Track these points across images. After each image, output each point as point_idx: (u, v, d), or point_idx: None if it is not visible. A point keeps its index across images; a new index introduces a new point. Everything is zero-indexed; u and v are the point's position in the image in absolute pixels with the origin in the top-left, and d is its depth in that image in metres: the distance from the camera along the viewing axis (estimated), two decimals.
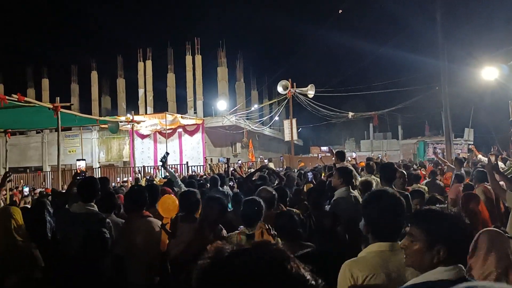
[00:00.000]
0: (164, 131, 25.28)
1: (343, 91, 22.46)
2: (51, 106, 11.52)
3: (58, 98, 11.65)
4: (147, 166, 22.99)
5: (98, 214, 3.85)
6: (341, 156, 6.92)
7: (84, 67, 33.70)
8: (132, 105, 31.98)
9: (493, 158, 8.56)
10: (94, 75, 33.18)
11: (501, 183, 5.07)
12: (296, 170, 11.67)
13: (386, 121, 40.13)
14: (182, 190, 5.27)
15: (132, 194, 4.29)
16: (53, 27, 58.11)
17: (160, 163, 5.93)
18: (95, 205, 4.01)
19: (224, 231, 3.89)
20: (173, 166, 22.53)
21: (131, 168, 23.64)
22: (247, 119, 30.63)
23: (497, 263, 2.41)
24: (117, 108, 32.61)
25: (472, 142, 29.33)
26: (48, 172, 27.40)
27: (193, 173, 17.39)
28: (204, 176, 11.69)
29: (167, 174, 7.07)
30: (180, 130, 26.05)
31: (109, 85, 34.31)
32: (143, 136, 27.11)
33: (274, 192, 4.57)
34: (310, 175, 7.16)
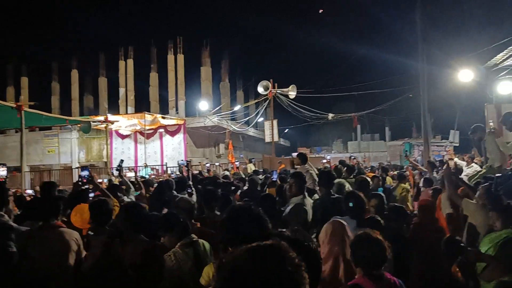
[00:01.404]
0: (144, 131, 24.82)
1: (325, 92, 22.17)
2: (14, 105, 11.02)
3: (22, 97, 11.10)
4: (128, 167, 22.48)
5: (5, 224, 3.41)
6: (302, 158, 6.53)
7: (65, 65, 33.10)
8: (114, 105, 31.45)
9: (462, 162, 8.22)
10: (75, 74, 32.58)
11: None
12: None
13: (374, 123, 39.98)
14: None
15: (38, 202, 3.85)
16: (33, 24, 57.14)
17: (116, 171, 5.48)
18: (4, 214, 3.56)
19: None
20: (154, 167, 22.10)
21: (111, 168, 23.16)
22: (232, 119, 30.21)
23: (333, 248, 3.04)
24: (99, 107, 32.02)
25: (457, 144, 29.20)
26: (26, 172, 26.66)
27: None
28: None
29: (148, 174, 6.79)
30: (161, 130, 25.56)
31: (91, 84, 33.72)
32: (123, 136, 26.58)
33: (193, 202, 4.26)
34: (274, 175, 6.77)
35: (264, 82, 19.77)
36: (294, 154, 11.66)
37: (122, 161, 5.42)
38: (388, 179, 10.20)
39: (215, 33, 60.86)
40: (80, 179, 4.48)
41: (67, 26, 63.68)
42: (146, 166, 21.62)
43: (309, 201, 4.61)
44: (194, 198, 6.38)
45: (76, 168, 26.46)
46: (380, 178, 9.00)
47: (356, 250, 2.70)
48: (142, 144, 24.60)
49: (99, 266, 3.22)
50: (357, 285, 2.58)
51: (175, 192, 6.18)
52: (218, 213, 4.56)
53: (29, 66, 33.78)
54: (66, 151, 29.21)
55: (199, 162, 23.69)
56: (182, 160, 9.08)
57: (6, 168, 4.68)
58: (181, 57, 29.14)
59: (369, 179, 6.15)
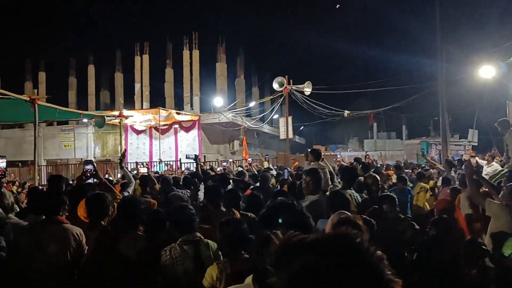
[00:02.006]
0: (159, 127, 24.82)
1: (340, 88, 21.85)
2: (28, 98, 11.01)
3: (36, 90, 11.08)
4: (142, 162, 22.50)
5: None
6: (315, 154, 6.33)
7: (82, 61, 33.30)
8: (130, 100, 31.54)
9: (482, 161, 7.94)
10: (91, 69, 32.74)
11: None
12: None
13: (391, 121, 39.45)
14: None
15: (41, 195, 3.73)
16: (51, 20, 57.76)
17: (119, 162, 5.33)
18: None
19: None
20: (168, 163, 22.07)
21: (126, 163, 23.22)
22: (247, 116, 30.05)
23: None
24: (115, 102, 32.16)
25: (476, 144, 28.61)
26: (43, 166, 26.95)
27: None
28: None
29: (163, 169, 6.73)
30: (176, 126, 25.56)
31: (107, 79, 33.87)
32: (138, 132, 26.66)
33: (185, 199, 4.12)
34: (286, 173, 6.60)
35: (279, 78, 19.55)
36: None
37: (124, 153, 5.20)
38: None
39: (230, 29, 60.71)
40: (84, 173, 4.35)
41: (84, 22, 64.28)
42: (160, 161, 21.62)
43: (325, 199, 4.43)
44: (202, 194, 6.26)
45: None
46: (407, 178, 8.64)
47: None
48: (157, 140, 24.58)
49: (88, 262, 3.11)
50: None
51: (174, 188, 6.05)
52: (224, 209, 4.40)
53: (47, 61, 34.11)
54: (82, 145, 29.44)
55: (217, 159, 23.67)
56: (190, 154, 8.93)
57: (5, 161, 4.56)
58: (196, 53, 29.04)
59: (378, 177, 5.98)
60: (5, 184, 17.38)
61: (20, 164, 25.96)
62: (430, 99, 20.95)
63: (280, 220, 2.02)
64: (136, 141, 26.80)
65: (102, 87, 34.02)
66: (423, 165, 12.89)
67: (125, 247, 3.10)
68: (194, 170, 11.04)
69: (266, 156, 11.55)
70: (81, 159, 29.07)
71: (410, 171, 11.16)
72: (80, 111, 12.83)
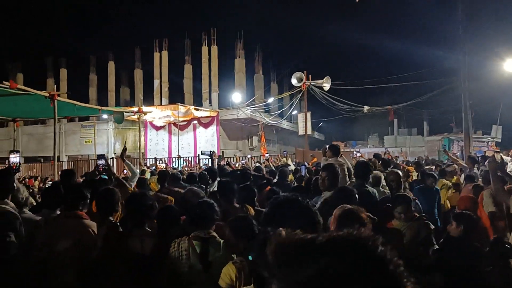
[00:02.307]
0: (178, 123, 24.90)
1: (360, 84, 21.50)
2: (47, 94, 11.10)
3: (55, 86, 11.18)
4: (160, 158, 22.64)
5: (7, 213, 3.26)
6: (334, 150, 6.19)
7: (102, 58, 33.66)
8: (150, 96, 31.76)
9: (506, 158, 7.69)
10: (111, 66, 33.06)
11: None
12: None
13: (412, 117, 38.85)
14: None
15: (53, 190, 3.70)
16: (72, 18, 58.56)
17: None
18: (9, 202, 3.43)
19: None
20: (187, 158, 22.13)
21: (145, 159, 23.39)
22: (266, 112, 29.96)
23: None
24: (134, 99, 32.43)
25: (500, 140, 27.95)
26: (64, 162, 27.33)
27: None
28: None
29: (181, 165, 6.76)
30: (195, 122, 25.60)
31: (127, 76, 34.17)
32: (157, 128, 26.79)
33: (202, 195, 4.00)
34: (303, 169, 6.49)
35: (298, 74, 19.37)
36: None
37: (125, 148, 5.14)
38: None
39: (249, 25, 60.65)
40: (97, 168, 4.31)
41: (104, 19, 64.87)
42: (179, 157, 21.69)
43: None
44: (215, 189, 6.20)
45: (111, 158, 26.94)
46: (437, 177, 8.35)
47: (340, 225, 2.80)
48: (176, 136, 24.64)
49: (95, 259, 3.07)
50: None
51: (183, 184, 6.00)
52: (238, 205, 4.32)
53: (68, 58, 34.60)
54: (102, 141, 29.78)
55: (234, 155, 23.64)
56: (205, 151, 8.92)
57: (19, 156, 4.57)
58: (214, 49, 29.05)
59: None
60: (26, 179, 17.67)
61: (42, 160, 26.35)
62: (452, 94, 20.47)
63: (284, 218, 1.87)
64: (156, 137, 26.95)
65: (122, 83, 34.35)
66: (445, 162, 12.61)
67: (131, 244, 3.03)
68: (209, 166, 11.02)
69: (284, 152, 11.42)
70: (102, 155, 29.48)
71: (434, 167, 10.92)
72: (99, 107, 12.90)
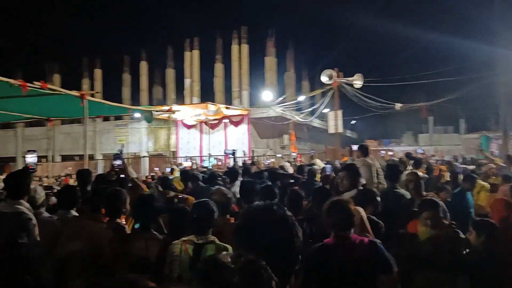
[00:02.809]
0: (209, 122, 24.99)
1: (392, 80, 20.90)
2: (78, 94, 11.29)
3: (85, 86, 11.38)
4: (191, 157, 22.77)
5: (21, 214, 3.26)
6: (363, 150, 6.00)
7: (135, 57, 34.17)
8: (181, 96, 32.05)
9: None
10: (144, 65, 33.50)
11: None
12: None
13: (448, 114, 37.75)
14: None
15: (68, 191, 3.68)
16: (106, 17, 59.73)
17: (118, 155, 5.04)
18: (24, 203, 3.43)
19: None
20: (217, 157, 22.19)
21: (177, 158, 23.63)
22: (297, 110, 29.71)
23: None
24: (166, 98, 32.79)
25: None
26: (99, 161, 27.94)
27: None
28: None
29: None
30: (225, 120, 25.62)
31: (159, 75, 34.56)
32: (189, 127, 26.97)
33: (229, 195, 3.83)
34: (328, 168, 6.32)
35: (328, 71, 19.03)
36: (355, 147, 11.07)
37: (122, 146, 5.01)
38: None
39: (280, 22, 60.31)
40: (113, 168, 4.26)
41: (138, 19, 65.92)
42: (210, 156, 21.77)
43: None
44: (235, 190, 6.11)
45: (144, 156, 27.36)
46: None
47: (328, 215, 3.01)
48: (207, 134, 24.76)
49: (100, 262, 3.02)
50: (324, 244, 2.96)
51: (200, 184, 5.93)
52: None
53: (102, 58, 35.26)
54: (135, 140, 30.29)
55: (263, 154, 23.56)
56: (228, 150, 8.88)
57: (36, 156, 4.56)
58: (245, 47, 29.00)
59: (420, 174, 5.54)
60: (62, 178, 18.01)
61: (75, 158, 27.00)
62: (490, 90, 19.69)
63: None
64: (187, 136, 27.12)
65: (155, 83, 34.79)
66: (481, 160, 12.13)
67: (135, 248, 2.96)
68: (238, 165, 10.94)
69: (312, 151, 11.18)
70: (135, 153, 30.00)
71: (474, 167, 10.49)
72: (129, 106, 13.04)
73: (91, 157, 30.43)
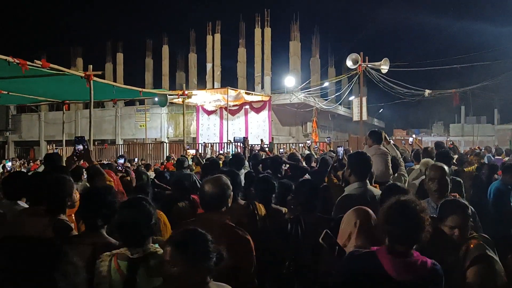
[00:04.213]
0: (230, 108, 24.31)
1: (423, 65, 19.63)
2: (83, 75, 10.75)
3: (91, 66, 10.79)
4: (211, 143, 22.17)
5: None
6: (374, 137, 5.17)
7: (158, 42, 33.69)
8: (203, 81, 31.45)
9: None
10: (166, 50, 32.98)
11: None
12: None
13: (481, 103, 36.09)
14: None
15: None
16: (129, 2, 59.44)
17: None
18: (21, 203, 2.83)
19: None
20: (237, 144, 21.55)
21: (197, 144, 23.08)
22: (322, 97, 28.74)
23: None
24: (188, 83, 32.24)
25: None
26: (120, 145, 27.71)
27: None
28: None
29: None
30: (246, 107, 24.95)
31: (183, 60, 34.01)
32: (209, 112, 26.41)
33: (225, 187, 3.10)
34: (340, 151, 5.50)
35: (353, 55, 18.02)
36: (410, 139, 10.18)
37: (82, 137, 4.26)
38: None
39: (305, 5, 58.73)
40: (75, 153, 3.56)
41: (160, 2, 65.40)
42: (230, 142, 21.16)
43: (370, 193, 3.34)
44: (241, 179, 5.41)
45: (165, 142, 26.97)
46: None
47: (390, 221, 2.19)
48: (228, 121, 24.10)
49: None
50: (371, 253, 2.22)
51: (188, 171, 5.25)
52: (243, 202, 3.48)
53: (125, 42, 34.93)
54: (156, 126, 29.94)
55: (282, 143, 22.73)
56: (237, 137, 8.16)
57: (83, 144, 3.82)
58: (268, 31, 28.03)
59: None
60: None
61: (96, 143, 26.83)
62: None
63: None
64: (207, 121, 26.60)
65: (178, 68, 34.27)
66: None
67: (79, 255, 2.27)
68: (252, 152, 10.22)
69: (328, 139, 10.32)
70: (155, 139, 29.67)
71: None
72: (140, 89, 12.39)
73: (113, 142, 30.30)
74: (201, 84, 31.08)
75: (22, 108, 33.75)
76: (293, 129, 28.60)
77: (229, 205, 2.72)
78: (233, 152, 16.61)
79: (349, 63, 18.40)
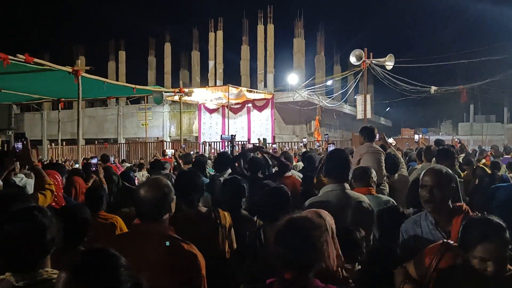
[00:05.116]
0: (232, 106, 23.84)
1: (427, 61, 18.93)
2: (71, 70, 10.29)
3: (79, 61, 10.32)
4: (213, 142, 21.71)
5: None
6: (366, 134, 4.66)
7: (161, 40, 33.29)
8: (206, 78, 31.02)
9: None
10: (168, 47, 32.57)
11: None
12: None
13: (489, 101, 35.37)
14: None
15: None
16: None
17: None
18: None
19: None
20: (239, 142, 21.09)
21: (198, 143, 22.64)
22: (327, 95, 28.14)
23: None
24: (191, 81, 31.82)
25: None
26: (121, 144, 27.32)
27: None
28: None
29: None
30: (249, 105, 24.48)
31: (186, 58, 33.58)
32: (211, 111, 25.99)
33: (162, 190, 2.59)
34: (332, 149, 5.03)
35: (357, 51, 17.42)
36: (391, 140, 9.59)
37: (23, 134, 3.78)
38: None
39: (309, 2, 57.85)
40: (14, 153, 3.06)
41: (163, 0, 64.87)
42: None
43: (348, 198, 2.82)
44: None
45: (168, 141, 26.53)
46: None
47: (274, 240, 1.86)
48: (230, 119, 23.62)
49: None
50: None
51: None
52: (204, 209, 2.97)
53: (127, 40, 34.56)
54: (158, 124, 29.54)
55: (283, 142, 22.20)
56: (225, 135, 7.64)
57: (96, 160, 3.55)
58: (271, 27, 27.47)
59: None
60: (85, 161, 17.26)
61: (96, 142, 26.48)
62: None
63: None
64: (209, 120, 26.20)
65: (182, 66, 33.85)
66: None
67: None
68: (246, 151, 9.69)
69: (326, 136, 9.80)
70: (157, 138, 29.24)
71: None
72: (134, 86, 11.92)
73: (115, 141, 29.94)
74: (205, 82, 30.65)
75: (25, 107, 33.53)
76: (297, 128, 28.05)
77: (172, 211, 2.22)
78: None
79: (352, 59, 17.81)
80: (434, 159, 5.26)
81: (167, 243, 2.06)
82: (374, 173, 3.58)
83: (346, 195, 2.79)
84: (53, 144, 24.34)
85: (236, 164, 5.55)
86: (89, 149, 24.62)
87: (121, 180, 4.77)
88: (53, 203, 3.03)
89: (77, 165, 11.81)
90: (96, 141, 26.70)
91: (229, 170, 5.78)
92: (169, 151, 11.70)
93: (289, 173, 5.49)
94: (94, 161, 5.27)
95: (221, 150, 12.92)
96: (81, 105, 28.60)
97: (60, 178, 3.29)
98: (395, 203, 3.33)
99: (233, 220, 3.04)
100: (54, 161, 15.66)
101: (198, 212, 2.94)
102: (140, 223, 2.21)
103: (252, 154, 6.83)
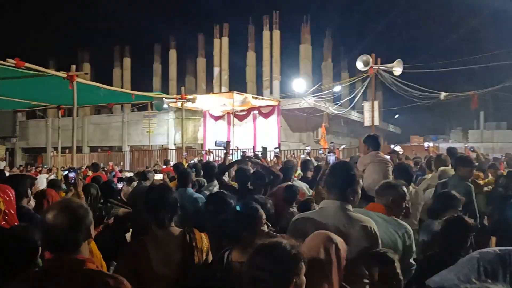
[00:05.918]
0: (237, 113, 23.44)
1: (440, 66, 18.34)
2: (65, 75, 9.95)
3: (74, 66, 9.94)
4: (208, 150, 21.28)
5: None
6: (372, 142, 4.20)
7: (166, 47, 33.05)
8: (212, 85, 30.71)
9: None
10: (173, 54, 32.32)
11: None
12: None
13: (501, 106, 34.72)
14: None
15: None
16: (136, 6, 58.87)
17: None
18: None
19: None
20: (245, 151, 20.65)
21: (204, 150, 22.24)
22: (335, 102, 27.67)
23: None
24: (197, 88, 31.51)
25: None
26: (126, 152, 27.06)
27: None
28: None
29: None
30: (255, 112, 24.04)
31: (192, 65, 33.32)
32: (216, 118, 25.59)
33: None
34: (331, 157, 4.59)
35: (364, 57, 16.92)
36: (397, 148, 9.10)
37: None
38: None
39: (316, 7, 57.37)
40: None
41: (167, 6, 64.79)
42: (237, 149, 20.26)
43: (343, 217, 2.35)
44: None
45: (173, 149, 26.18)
46: None
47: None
48: (235, 126, 23.21)
49: None
50: None
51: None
52: (178, 230, 2.51)
53: (132, 47, 34.35)
54: (163, 132, 29.23)
55: (290, 149, 21.70)
56: (219, 141, 7.17)
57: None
58: (277, 33, 27.10)
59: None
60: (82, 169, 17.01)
61: (99, 150, 26.21)
62: None
63: None
64: (214, 127, 25.76)
65: (187, 72, 33.59)
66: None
67: None
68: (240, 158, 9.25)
69: (332, 144, 9.34)
70: (162, 145, 28.89)
71: None
72: (133, 92, 11.55)
73: (120, 149, 29.64)
74: (210, 89, 30.34)
75: (30, 115, 33.41)
76: (304, 135, 27.57)
77: (92, 237, 1.78)
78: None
79: (359, 65, 17.30)
80: (449, 166, 4.84)
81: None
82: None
83: (347, 216, 2.32)
84: (55, 152, 24.06)
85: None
86: (92, 157, 24.34)
87: (100, 194, 4.34)
88: (3, 222, 2.60)
89: (53, 176, 11.35)
90: (99, 149, 26.42)
91: (215, 182, 5.38)
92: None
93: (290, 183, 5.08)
94: (72, 174, 4.81)
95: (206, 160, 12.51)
96: (86, 112, 28.47)
97: (13, 193, 2.87)
98: (411, 232, 2.77)
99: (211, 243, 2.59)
100: (52, 168, 15.32)
101: (169, 233, 2.48)
102: (52, 257, 1.77)
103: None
